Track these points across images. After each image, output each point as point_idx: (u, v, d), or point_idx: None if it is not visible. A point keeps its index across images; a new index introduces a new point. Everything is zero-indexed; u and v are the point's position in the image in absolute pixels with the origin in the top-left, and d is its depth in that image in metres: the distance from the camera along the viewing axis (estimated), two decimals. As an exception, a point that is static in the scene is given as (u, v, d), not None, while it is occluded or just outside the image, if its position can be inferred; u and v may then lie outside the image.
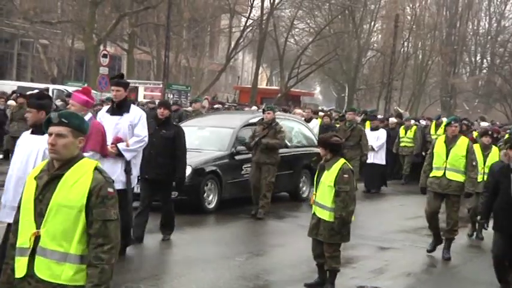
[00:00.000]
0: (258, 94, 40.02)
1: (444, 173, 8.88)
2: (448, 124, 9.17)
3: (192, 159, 10.76)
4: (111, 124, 7.73)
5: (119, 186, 7.34)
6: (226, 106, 26.62)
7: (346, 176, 6.71)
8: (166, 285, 6.95)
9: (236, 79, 54.82)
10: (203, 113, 16.46)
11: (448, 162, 8.88)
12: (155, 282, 6.98)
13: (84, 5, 33.80)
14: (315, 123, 16.85)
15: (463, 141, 8.97)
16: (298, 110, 19.27)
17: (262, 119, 11.64)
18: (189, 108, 18.29)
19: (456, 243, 9.57)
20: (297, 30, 46.61)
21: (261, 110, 14.30)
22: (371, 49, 51.14)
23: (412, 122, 18.63)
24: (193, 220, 10.57)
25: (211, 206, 11.34)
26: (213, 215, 11.25)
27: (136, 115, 7.85)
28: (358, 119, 17.53)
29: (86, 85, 8.25)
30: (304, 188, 13.31)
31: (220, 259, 8.20)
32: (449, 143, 8.94)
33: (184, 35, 44.02)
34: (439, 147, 9.01)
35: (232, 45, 41.51)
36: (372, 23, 49.54)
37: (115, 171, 7.53)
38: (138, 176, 8.24)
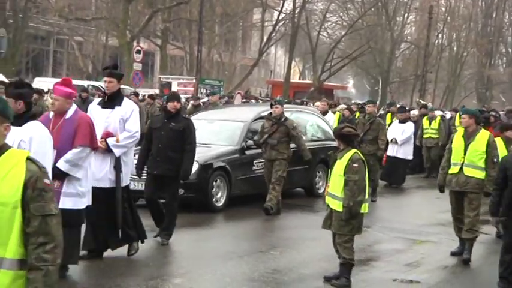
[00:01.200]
0: (290, 88, 39.91)
1: (461, 169, 8.19)
2: (464, 113, 8.54)
3: (200, 155, 10.27)
4: (101, 117, 7.26)
5: (106, 184, 7.14)
6: (259, 100, 26.63)
7: (355, 165, 6.62)
8: (200, 278, 6.98)
9: (269, 73, 54.75)
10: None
11: (466, 158, 8.17)
12: (190, 276, 7.01)
13: (117, 1, 34.14)
14: (331, 117, 16.22)
15: (482, 136, 8.22)
16: (317, 103, 18.62)
17: (271, 113, 10.93)
18: (204, 100, 18.16)
19: (493, 237, 9.44)
20: (329, 23, 46.40)
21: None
22: (405, 41, 50.65)
23: (436, 112, 17.95)
24: (213, 216, 10.41)
25: (220, 203, 10.77)
26: (234, 211, 10.79)
27: (128, 109, 7.32)
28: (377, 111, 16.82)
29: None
30: (320, 183, 12.61)
31: (253, 253, 8.21)
32: (468, 137, 8.21)
33: (216, 30, 44.17)
34: (457, 141, 8.31)
35: (265, 40, 41.49)
36: (406, 15, 49.06)
37: (103, 168, 7.16)
38: (133, 174, 7.83)
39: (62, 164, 6.27)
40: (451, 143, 8.43)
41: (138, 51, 27.53)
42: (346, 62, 43.82)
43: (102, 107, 7.37)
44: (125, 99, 7.48)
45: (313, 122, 13.36)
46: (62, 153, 6.28)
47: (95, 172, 7.02)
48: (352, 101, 33.35)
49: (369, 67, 49.34)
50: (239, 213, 10.80)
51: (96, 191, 6.91)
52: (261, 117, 11.57)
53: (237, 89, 36.01)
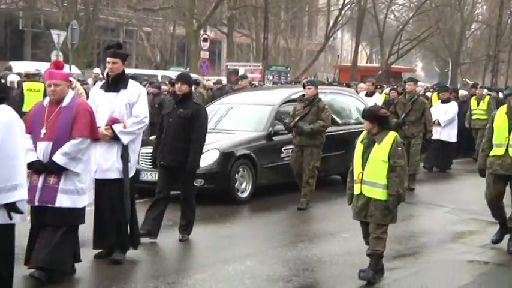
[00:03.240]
0: (358, 72, 39.50)
1: (507, 150, 7.42)
2: (509, 94, 7.59)
3: (221, 142, 9.86)
4: (105, 103, 6.58)
5: (113, 175, 6.51)
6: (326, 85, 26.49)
7: (400, 149, 6.18)
8: (223, 274, 6.55)
9: (335, 58, 54.35)
10: None
11: (511, 137, 7.44)
12: (213, 272, 6.51)
13: (184, -10, 34.52)
14: (377, 98, 15.10)
15: None
16: (361, 85, 17.68)
17: (303, 95, 10.02)
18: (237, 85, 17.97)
19: None
20: (396, 5, 45.59)
21: None
22: (475, 21, 49.25)
23: (485, 91, 16.56)
24: (237, 208, 9.61)
25: (245, 194, 9.96)
26: (260, 202, 9.88)
27: (135, 92, 6.62)
28: (420, 89, 15.50)
29: (58, 59, 7.52)
30: None
31: (280, 247, 7.54)
32: None
33: (282, 16, 44.11)
34: (500, 120, 7.51)
35: (331, 24, 41.16)
36: (476, -6, 47.68)
37: (109, 157, 6.52)
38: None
39: (58, 157, 5.67)
40: (492, 121, 7.64)
41: (205, 40, 27.81)
42: (414, 44, 43.04)
43: (106, 91, 6.65)
44: (131, 82, 6.76)
45: (350, 104, 12.39)
46: (58, 145, 5.70)
47: (101, 163, 6.50)
48: (433, 84, 32.20)
49: (438, 49, 48.27)
50: (266, 205, 9.95)
51: (101, 184, 6.49)
52: (291, 100, 10.75)
53: (304, 74, 35.93)
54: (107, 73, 6.72)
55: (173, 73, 28.73)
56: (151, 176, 9.37)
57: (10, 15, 37.32)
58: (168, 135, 7.47)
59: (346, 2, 41.34)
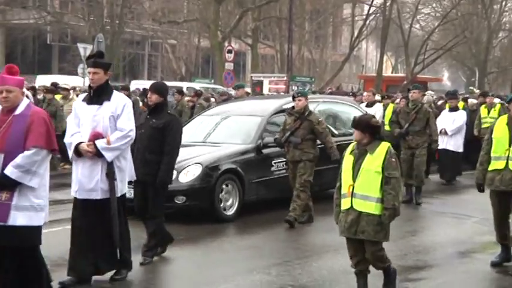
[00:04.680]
0: (383, 82, 39.28)
1: (507, 164, 6.84)
2: (510, 101, 7.03)
3: (204, 156, 9.31)
4: (88, 116, 6.17)
5: (98, 195, 6.07)
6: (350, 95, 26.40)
7: (393, 160, 5.75)
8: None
9: (360, 68, 54.17)
10: None
11: (511, 150, 6.85)
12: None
13: (208, 2, 34.75)
14: (378, 108, 14.60)
15: None
16: (365, 93, 16.82)
17: (293, 107, 9.35)
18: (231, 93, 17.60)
19: None
20: (421, 15, 45.33)
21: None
22: (502, 30, 48.71)
23: (496, 100, 15.99)
24: (222, 226, 8.94)
25: (231, 212, 9.34)
26: (248, 220, 9.24)
27: (119, 104, 6.17)
28: (426, 98, 14.65)
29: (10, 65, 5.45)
30: None
31: (268, 268, 7.07)
32: None
33: (306, 27, 44.15)
34: (500, 131, 6.94)
35: (355, 34, 41.06)
36: (503, 2, 47.15)
37: (93, 176, 6.07)
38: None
39: (10, 171, 5.08)
40: (491, 133, 7.09)
41: (230, 51, 27.92)
42: (440, 53, 42.72)
43: (88, 103, 6.22)
44: (115, 93, 6.32)
45: (347, 115, 11.48)
46: (11, 158, 5.12)
47: (84, 182, 6.10)
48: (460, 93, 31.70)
49: (465, 58, 47.82)
50: (253, 223, 9.29)
51: (86, 204, 6.10)
52: (283, 110, 10.08)
53: (328, 85, 35.85)
54: (89, 85, 6.33)
55: (198, 85, 28.99)
56: (129, 193, 8.35)
57: (38, 29, 37.94)
58: (140, 147, 6.98)
59: (370, 12, 41.24)
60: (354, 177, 5.77)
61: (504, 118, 7.11)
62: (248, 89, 22.91)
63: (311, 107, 9.61)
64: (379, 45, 44.36)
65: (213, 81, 35.16)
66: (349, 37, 43.17)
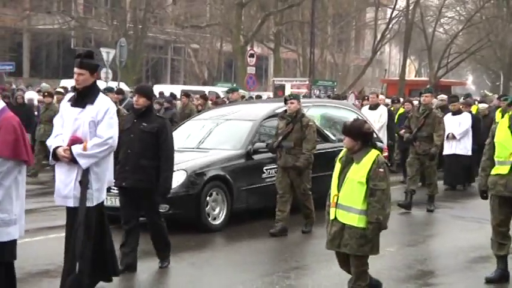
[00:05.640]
0: (406, 86, 39.06)
1: (511, 168, 6.49)
2: (510, 104, 6.89)
3: (189, 162, 8.82)
4: (70, 118, 5.83)
5: (71, 202, 5.72)
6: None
7: (381, 170, 5.39)
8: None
9: (383, 72, 53.93)
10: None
11: None
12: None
13: (231, 7, 34.89)
14: (382, 111, 14.15)
15: None
16: (370, 96, 16.01)
17: (285, 111, 8.96)
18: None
19: None
20: (445, 18, 45.01)
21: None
22: (528, 33, 48.17)
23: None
24: (208, 236, 8.55)
25: (218, 221, 8.87)
26: (238, 229, 8.84)
27: (101, 109, 5.77)
28: (435, 102, 14.12)
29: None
30: None
31: (257, 280, 6.77)
32: None
33: (329, 31, 44.07)
34: (502, 134, 6.63)
35: (378, 38, 40.91)
36: (528, 5, 46.67)
37: (68, 183, 5.73)
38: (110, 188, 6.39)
39: None
40: (493, 137, 6.74)
41: (252, 55, 27.96)
42: (464, 57, 42.39)
43: (72, 105, 5.88)
44: (101, 96, 5.88)
45: (345, 119, 10.71)
46: None
47: (60, 188, 5.81)
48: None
49: (489, 61, 47.36)
50: (243, 232, 8.86)
51: (68, 211, 5.83)
52: (276, 115, 9.60)
53: (351, 89, 35.74)
54: (74, 86, 6.01)
55: (220, 89, 29.10)
56: (111, 201, 7.97)
57: (62, 35, 38.36)
58: (131, 152, 6.65)
59: (393, 15, 41.07)
60: (339, 186, 5.51)
61: (505, 121, 6.78)
62: (243, 92, 22.55)
63: None
64: (402, 49, 44.14)
65: (235, 85, 35.24)
66: (372, 41, 43.01)
